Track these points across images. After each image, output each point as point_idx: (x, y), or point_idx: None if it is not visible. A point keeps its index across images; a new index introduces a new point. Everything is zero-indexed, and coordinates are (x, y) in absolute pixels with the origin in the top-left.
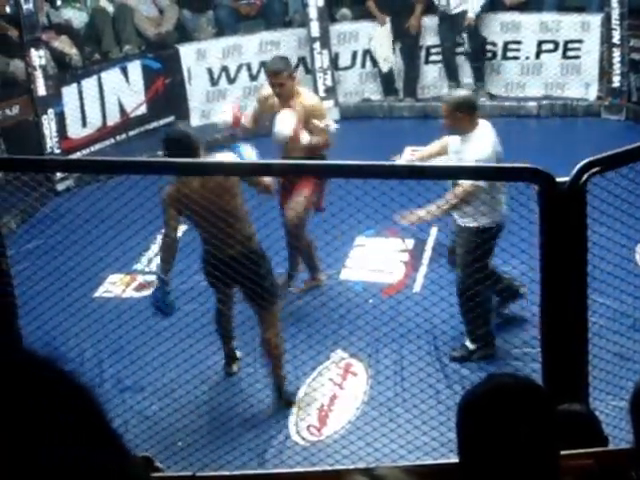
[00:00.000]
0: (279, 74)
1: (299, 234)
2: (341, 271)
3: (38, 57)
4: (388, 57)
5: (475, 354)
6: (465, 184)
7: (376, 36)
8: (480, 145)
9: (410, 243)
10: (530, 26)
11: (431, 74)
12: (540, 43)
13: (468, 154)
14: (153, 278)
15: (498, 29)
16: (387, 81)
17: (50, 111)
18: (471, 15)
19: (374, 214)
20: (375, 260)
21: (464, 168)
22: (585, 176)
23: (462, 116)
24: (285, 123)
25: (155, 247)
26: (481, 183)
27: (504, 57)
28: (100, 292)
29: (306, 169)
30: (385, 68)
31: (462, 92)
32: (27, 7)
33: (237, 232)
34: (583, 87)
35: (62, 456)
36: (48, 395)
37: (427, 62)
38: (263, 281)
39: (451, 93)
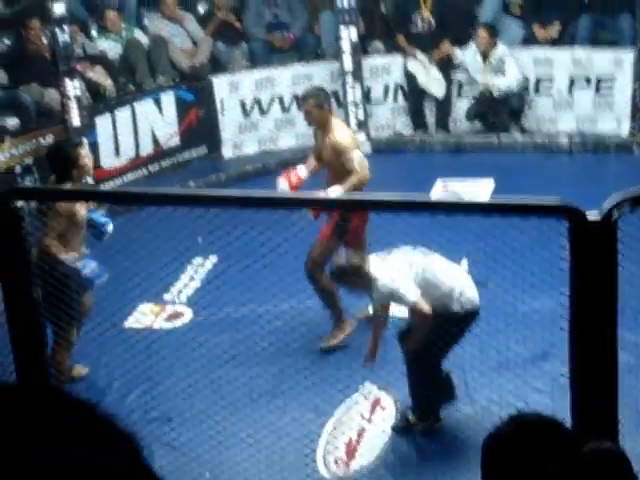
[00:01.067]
0: (305, 100)
1: (315, 277)
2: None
3: (73, 87)
4: (438, 81)
5: (418, 426)
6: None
7: (416, 70)
8: (386, 268)
9: None
10: (563, 61)
11: (462, 108)
12: (572, 79)
13: None
14: (184, 308)
15: (531, 64)
16: (416, 115)
17: (84, 140)
18: (502, 88)
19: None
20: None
21: (493, 203)
22: (616, 212)
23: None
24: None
25: (185, 277)
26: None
27: (536, 92)
28: (130, 322)
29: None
30: (440, 94)
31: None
32: (63, 38)
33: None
34: (615, 123)
35: (62, 456)
36: (45, 396)
37: (459, 95)
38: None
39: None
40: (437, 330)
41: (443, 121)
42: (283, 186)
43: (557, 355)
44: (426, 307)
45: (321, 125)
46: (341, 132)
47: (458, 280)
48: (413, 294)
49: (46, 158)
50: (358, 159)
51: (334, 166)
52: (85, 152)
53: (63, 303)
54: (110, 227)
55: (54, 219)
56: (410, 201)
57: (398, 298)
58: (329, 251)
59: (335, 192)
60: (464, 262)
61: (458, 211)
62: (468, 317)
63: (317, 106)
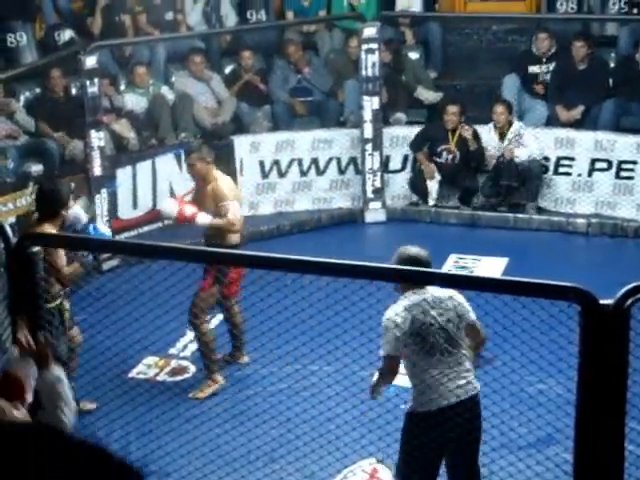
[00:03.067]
0: (189, 155)
1: (196, 326)
2: (374, 374)
3: (97, 138)
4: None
5: None
6: (381, 354)
7: (430, 186)
8: (394, 306)
9: None
10: (584, 143)
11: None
12: (593, 161)
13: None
14: (188, 364)
15: (552, 144)
16: (423, 190)
17: (103, 191)
18: (524, 158)
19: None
20: None
21: (505, 281)
22: (630, 300)
23: None
24: (169, 204)
25: (191, 333)
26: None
27: (556, 172)
28: (134, 373)
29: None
30: (431, 202)
31: (414, 249)
32: (92, 90)
33: None
34: (635, 208)
35: None
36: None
37: (479, 171)
38: None
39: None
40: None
41: (469, 198)
42: (170, 208)
43: (562, 441)
44: (395, 364)
45: (204, 177)
46: (222, 182)
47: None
48: (390, 344)
49: (37, 195)
50: (233, 209)
51: (212, 214)
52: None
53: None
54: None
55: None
56: (423, 273)
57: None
58: (210, 300)
59: (203, 219)
60: None
61: (469, 287)
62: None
63: (200, 159)
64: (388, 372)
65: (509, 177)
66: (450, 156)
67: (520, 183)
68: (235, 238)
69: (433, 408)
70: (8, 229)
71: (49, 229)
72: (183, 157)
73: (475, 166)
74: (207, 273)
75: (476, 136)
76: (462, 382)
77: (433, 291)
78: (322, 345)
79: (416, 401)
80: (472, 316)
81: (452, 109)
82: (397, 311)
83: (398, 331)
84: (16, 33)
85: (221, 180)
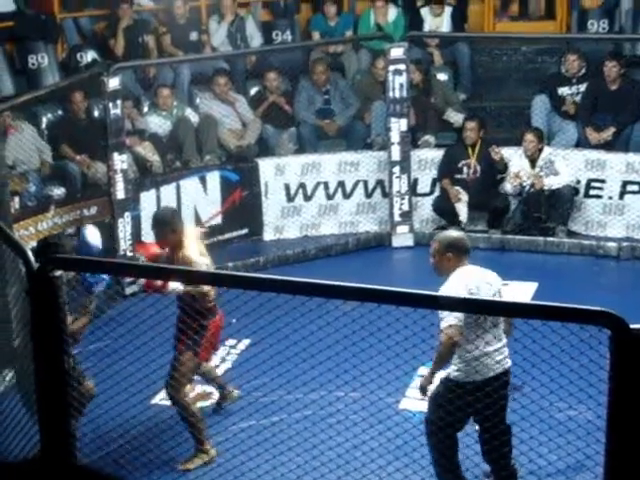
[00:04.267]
0: (158, 227)
1: (177, 401)
2: (401, 401)
3: (120, 161)
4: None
5: None
6: (444, 326)
7: (458, 209)
8: (450, 285)
9: None
10: (616, 165)
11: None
12: (625, 183)
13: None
14: (213, 389)
15: (582, 166)
16: (450, 213)
17: (127, 214)
18: (554, 187)
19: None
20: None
21: (534, 306)
22: None
23: (451, 257)
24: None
25: (217, 358)
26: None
27: (586, 195)
28: (158, 399)
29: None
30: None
31: (455, 232)
32: (114, 112)
33: None
34: None
35: None
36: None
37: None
38: None
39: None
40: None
41: (498, 220)
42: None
43: (592, 468)
44: (459, 334)
45: (173, 247)
46: (191, 249)
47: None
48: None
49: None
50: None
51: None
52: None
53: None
54: (100, 287)
55: None
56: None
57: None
58: (188, 368)
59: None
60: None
61: (499, 312)
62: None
63: (172, 231)
64: (450, 344)
65: (538, 208)
66: (471, 170)
67: (550, 207)
68: (211, 300)
69: (479, 379)
70: (30, 253)
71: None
72: (208, 180)
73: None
74: (179, 341)
75: (503, 158)
76: (500, 357)
77: (477, 269)
78: (348, 371)
79: (460, 372)
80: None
81: (470, 125)
82: (455, 286)
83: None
84: (38, 54)
85: (189, 246)
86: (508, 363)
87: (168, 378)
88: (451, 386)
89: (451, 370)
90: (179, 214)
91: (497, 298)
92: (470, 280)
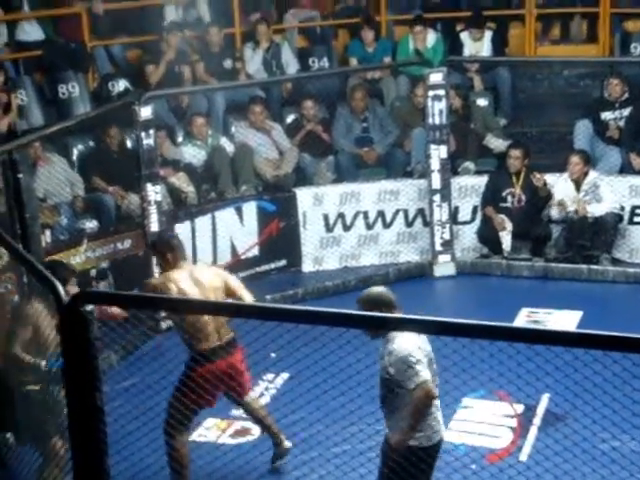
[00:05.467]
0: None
1: (168, 440)
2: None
3: (154, 192)
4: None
5: None
6: (419, 381)
7: (502, 237)
8: (403, 340)
9: (519, 408)
10: None
11: (555, 234)
12: None
13: (396, 352)
14: (251, 425)
15: (627, 192)
16: (493, 241)
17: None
18: (597, 215)
19: (482, 375)
20: (481, 423)
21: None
22: None
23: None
24: None
25: (255, 393)
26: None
27: (631, 222)
28: (195, 436)
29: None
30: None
31: (377, 289)
32: (147, 142)
33: None
34: None
35: None
36: None
37: (551, 221)
38: None
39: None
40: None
41: (540, 248)
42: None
43: None
44: (434, 389)
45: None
46: (172, 276)
47: None
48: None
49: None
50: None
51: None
52: None
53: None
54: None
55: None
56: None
57: (409, 374)
58: (185, 409)
59: None
60: (545, 396)
61: (541, 342)
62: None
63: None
64: (428, 401)
65: (581, 235)
66: (515, 199)
67: (593, 234)
68: (206, 343)
69: (437, 440)
70: (60, 287)
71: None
72: (245, 211)
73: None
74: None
75: (546, 185)
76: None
77: None
78: None
79: (423, 435)
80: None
81: (515, 153)
82: (411, 343)
83: (422, 358)
84: (68, 84)
85: (172, 274)
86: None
87: (164, 420)
88: (415, 453)
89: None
90: (179, 242)
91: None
92: (414, 336)
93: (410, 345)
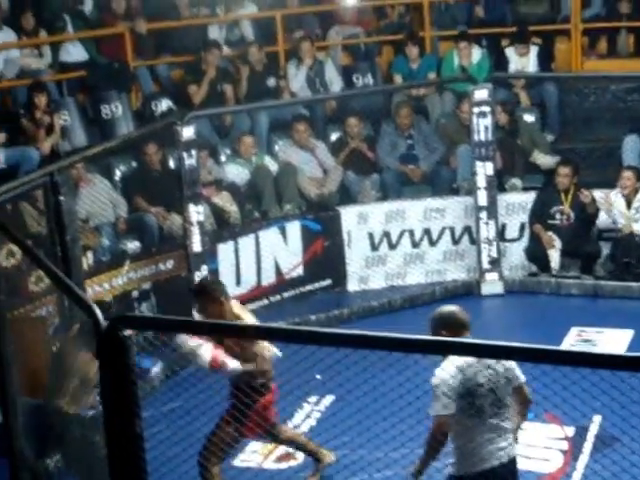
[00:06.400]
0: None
1: (203, 471)
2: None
3: (196, 213)
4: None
5: None
6: (434, 413)
7: (551, 255)
8: (445, 365)
9: (570, 430)
10: None
11: (603, 251)
12: None
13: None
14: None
15: None
16: (542, 259)
17: (204, 268)
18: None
19: (533, 395)
20: (532, 446)
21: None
22: None
23: (446, 334)
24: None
25: (300, 416)
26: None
27: None
28: (239, 461)
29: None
30: (556, 266)
31: (448, 307)
32: (189, 162)
33: None
34: None
35: None
36: None
37: (600, 239)
38: None
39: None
40: None
41: (589, 265)
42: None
43: None
44: (448, 425)
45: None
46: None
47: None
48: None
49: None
50: (260, 350)
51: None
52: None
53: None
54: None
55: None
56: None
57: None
58: (225, 442)
59: (233, 365)
60: (596, 418)
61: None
62: None
63: (213, 301)
64: (439, 435)
65: (628, 253)
66: (564, 217)
67: None
68: (269, 374)
69: (475, 470)
70: (97, 311)
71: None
72: (289, 230)
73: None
74: (231, 407)
75: (594, 201)
76: (504, 444)
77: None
78: None
79: (459, 464)
80: (521, 379)
81: (564, 170)
82: (450, 371)
83: (450, 391)
84: (111, 104)
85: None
86: (513, 453)
87: (202, 448)
88: None
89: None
90: (220, 283)
91: (500, 382)
92: (464, 362)
93: (444, 373)
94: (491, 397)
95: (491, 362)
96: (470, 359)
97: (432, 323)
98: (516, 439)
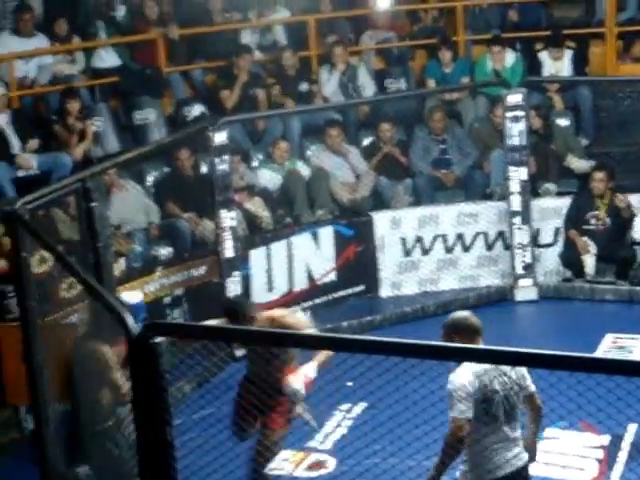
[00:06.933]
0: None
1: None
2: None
3: (229, 218)
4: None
5: None
6: (452, 416)
7: (585, 260)
8: (461, 371)
9: (606, 439)
10: None
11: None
12: None
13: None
14: (327, 457)
15: None
16: (577, 264)
17: (236, 273)
18: None
19: (568, 404)
20: (567, 455)
21: None
22: None
23: (458, 339)
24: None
25: (331, 424)
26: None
27: None
28: (269, 469)
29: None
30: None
31: (462, 313)
32: (222, 167)
33: None
34: None
35: None
36: None
37: (635, 244)
38: None
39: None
40: None
41: (625, 271)
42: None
43: None
44: (465, 428)
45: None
46: (290, 319)
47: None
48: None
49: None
50: None
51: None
52: None
53: None
54: None
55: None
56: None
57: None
58: (278, 446)
59: (312, 370)
60: (631, 427)
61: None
62: None
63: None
64: (455, 440)
65: None
66: (599, 222)
67: None
68: None
69: (490, 478)
70: (129, 318)
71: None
72: (321, 236)
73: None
74: (274, 410)
75: (629, 206)
76: (517, 450)
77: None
78: None
79: (472, 472)
80: (532, 387)
81: (599, 175)
82: (466, 376)
83: (468, 396)
84: (143, 110)
85: (288, 317)
86: (524, 458)
87: (254, 454)
88: None
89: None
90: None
91: (514, 389)
92: (480, 368)
93: (461, 379)
94: (505, 404)
95: (506, 369)
96: (487, 365)
97: (445, 329)
98: (534, 447)
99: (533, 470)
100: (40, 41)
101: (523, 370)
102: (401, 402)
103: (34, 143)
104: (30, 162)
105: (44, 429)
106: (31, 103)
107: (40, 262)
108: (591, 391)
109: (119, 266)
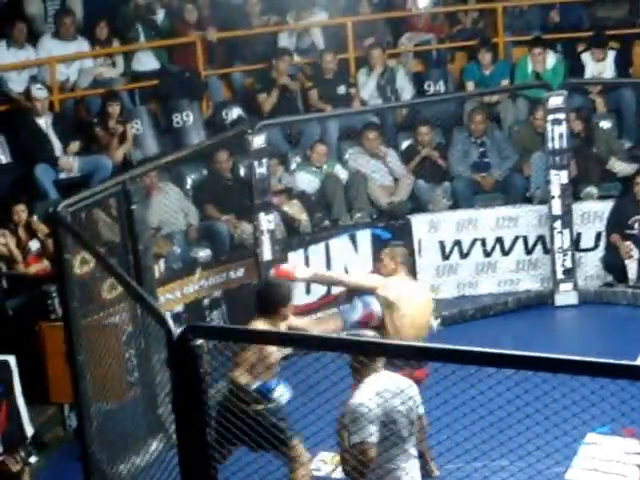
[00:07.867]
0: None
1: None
2: (567, 470)
3: (267, 221)
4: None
5: None
6: (356, 441)
7: (628, 265)
8: (361, 393)
9: None
10: None
11: None
12: None
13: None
14: None
15: None
16: (619, 269)
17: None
18: None
19: (610, 410)
20: (607, 461)
21: None
22: None
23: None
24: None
25: None
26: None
27: None
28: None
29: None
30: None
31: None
32: (260, 170)
33: None
34: None
35: None
36: None
37: None
38: None
39: None
40: None
41: None
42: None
43: None
44: (371, 454)
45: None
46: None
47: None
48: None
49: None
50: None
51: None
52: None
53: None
54: (284, 397)
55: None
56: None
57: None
58: None
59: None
60: None
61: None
62: None
63: (389, 255)
64: (362, 465)
65: None
66: None
67: None
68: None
69: None
70: (169, 320)
71: (261, 325)
72: (359, 239)
73: None
74: None
75: None
76: (417, 472)
77: (392, 376)
78: (512, 438)
79: None
80: (422, 408)
81: None
82: (369, 396)
83: (372, 416)
84: (182, 113)
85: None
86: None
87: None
88: None
89: None
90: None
91: (412, 406)
92: (381, 387)
93: (364, 398)
94: (406, 423)
95: (404, 386)
96: (387, 383)
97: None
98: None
99: (572, 475)
100: (81, 45)
101: (416, 389)
102: (444, 405)
103: (75, 146)
104: (71, 164)
105: (87, 427)
106: (72, 106)
107: (82, 263)
108: (635, 399)
109: (158, 268)
